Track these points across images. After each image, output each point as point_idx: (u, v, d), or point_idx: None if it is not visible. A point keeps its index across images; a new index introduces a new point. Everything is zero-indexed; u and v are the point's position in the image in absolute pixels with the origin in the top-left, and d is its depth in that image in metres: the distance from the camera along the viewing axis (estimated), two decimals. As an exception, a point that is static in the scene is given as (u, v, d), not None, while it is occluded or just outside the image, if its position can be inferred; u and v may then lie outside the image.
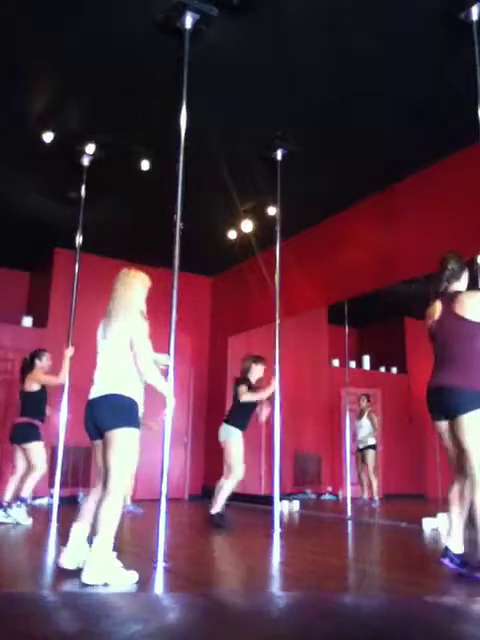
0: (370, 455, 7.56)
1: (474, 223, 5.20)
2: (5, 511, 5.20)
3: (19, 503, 5.20)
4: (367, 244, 6.59)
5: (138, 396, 3.14)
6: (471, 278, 3.50)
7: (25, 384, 5.54)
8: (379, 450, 7.82)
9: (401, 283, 6.27)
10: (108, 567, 2.86)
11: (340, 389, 8.02)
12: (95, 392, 3.14)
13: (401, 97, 4.86)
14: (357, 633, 2.17)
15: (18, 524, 5.13)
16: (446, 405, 3.17)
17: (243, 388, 5.33)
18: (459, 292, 3.35)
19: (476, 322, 3.19)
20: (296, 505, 7.20)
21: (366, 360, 8.80)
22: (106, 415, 3.04)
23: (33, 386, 5.52)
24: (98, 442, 3.15)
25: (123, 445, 3.00)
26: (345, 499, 6.72)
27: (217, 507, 5.19)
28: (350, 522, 6.07)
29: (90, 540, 2.98)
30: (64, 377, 5.32)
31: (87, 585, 2.80)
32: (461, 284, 3.40)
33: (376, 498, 7.48)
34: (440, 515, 5.09)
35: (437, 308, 3.37)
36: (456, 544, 3.13)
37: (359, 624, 2.31)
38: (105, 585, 2.81)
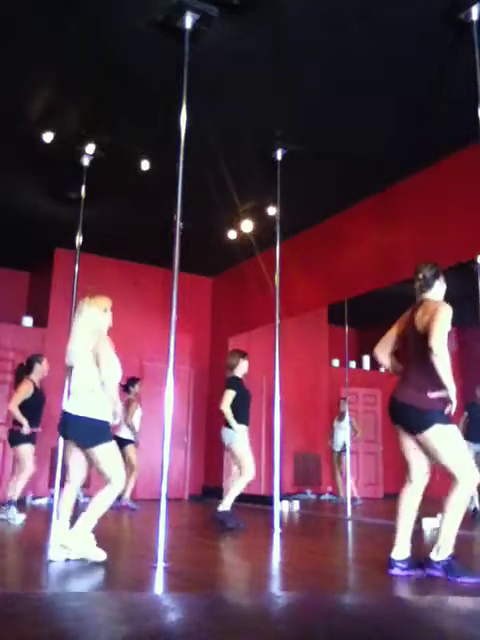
0: (346, 457, 7.55)
1: (474, 223, 5.20)
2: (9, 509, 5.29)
3: (8, 505, 5.29)
4: (367, 244, 6.59)
5: (107, 414, 3.46)
6: (471, 278, 3.46)
7: (11, 404, 5.49)
8: (380, 450, 7.80)
9: (401, 283, 6.26)
10: (86, 542, 3.32)
11: (340, 389, 8.01)
12: (69, 406, 3.50)
13: (401, 97, 4.86)
14: (357, 633, 2.17)
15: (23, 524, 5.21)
16: (405, 422, 3.20)
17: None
18: (424, 302, 3.22)
19: (424, 334, 3.05)
20: (296, 505, 7.19)
21: (366, 360, 8.78)
22: (83, 436, 3.44)
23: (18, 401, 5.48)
24: (70, 443, 3.56)
25: (106, 456, 3.44)
26: (345, 499, 6.72)
27: (225, 505, 5.14)
28: (350, 522, 6.07)
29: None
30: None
31: (68, 559, 3.28)
32: (433, 293, 3.24)
33: (358, 498, 7.45)
34: (440, 515, 5.07)
35: (405, 319, 3.30)
36: (402, 551, 3.20)
37: (359, 624, 2.31)
38: (83, 559, 3.29)
